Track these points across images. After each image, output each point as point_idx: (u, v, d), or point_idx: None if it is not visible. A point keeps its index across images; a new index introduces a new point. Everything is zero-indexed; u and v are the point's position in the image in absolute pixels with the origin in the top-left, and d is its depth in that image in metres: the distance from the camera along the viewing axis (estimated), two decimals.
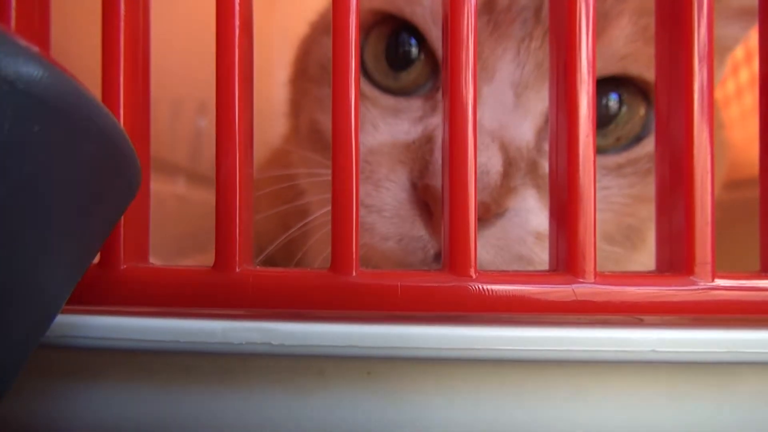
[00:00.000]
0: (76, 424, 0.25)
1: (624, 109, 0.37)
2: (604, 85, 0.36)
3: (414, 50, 0.37)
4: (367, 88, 0.38)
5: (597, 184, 0.35)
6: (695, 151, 0.24)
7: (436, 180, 0.32)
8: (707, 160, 0.24)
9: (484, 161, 0.31)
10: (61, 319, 0.23)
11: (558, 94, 0.25)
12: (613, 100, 0.37)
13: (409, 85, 0.38)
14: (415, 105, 0.37)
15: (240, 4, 0.24)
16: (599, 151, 0.37)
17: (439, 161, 0.32)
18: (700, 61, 0.24)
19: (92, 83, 0.21)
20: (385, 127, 0.37)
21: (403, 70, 0.38)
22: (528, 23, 0.35)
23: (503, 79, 0.35)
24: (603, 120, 0.37)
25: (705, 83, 0.24)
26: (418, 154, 0.34)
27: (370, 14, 0.38)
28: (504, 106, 0.34)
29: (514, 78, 0.35)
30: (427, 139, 0.34)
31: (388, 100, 0.38)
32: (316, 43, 0.43)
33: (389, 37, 0.38)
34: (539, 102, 0.35)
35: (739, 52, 0.60)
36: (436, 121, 0.35)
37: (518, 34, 0.35)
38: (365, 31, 0.38)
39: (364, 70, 0.38)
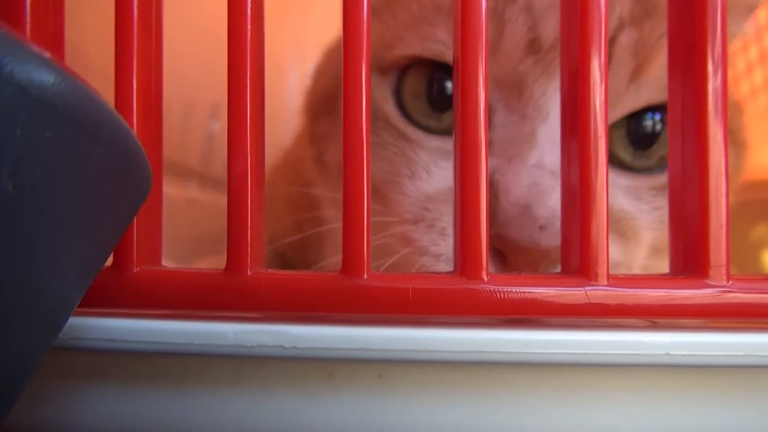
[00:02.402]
0: (89, 426, 0.25)
1: (666, 129, 0.36)
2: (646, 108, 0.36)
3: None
4: (410, 130, 0.37)
5: (648, 205, 0.36)
6: (709, 153, 0.24)
7: (506, 228, 0.31)
8: (721, 161, 0.24)
9: (553, 205, 0.31)
10: (74, 321, 0.23)
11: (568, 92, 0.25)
12: (653, 120, 0.37)
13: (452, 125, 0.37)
14: None
15: (251, 8, 0.24)
16: (645, 170, 0.37)
17: (507, 209, 0.31)
18: (714, 62, 0.24)
19: (106, 87, 0.22)
20: (438, 171, 0.36)
21: (445, 112, 0.37)
22: None
23: (557, 118, 0.34)
24: (645, 141, 0.37)
25: (719, 84, 0.24)
26: (490, 212, 0.33)
27: (404, 60, 0.37)
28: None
29: None
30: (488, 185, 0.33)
31: (433, 141, 0.37)
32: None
33: (429, 78, 0.37)
34: None
35: (753, 52, 0.59)
36: (494, 164, 0.34)
37: (553, 59, 0.34)
38: (399, 71, 0.37)
39: (403, 110, 0.37)
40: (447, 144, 0.36)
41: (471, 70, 0.24)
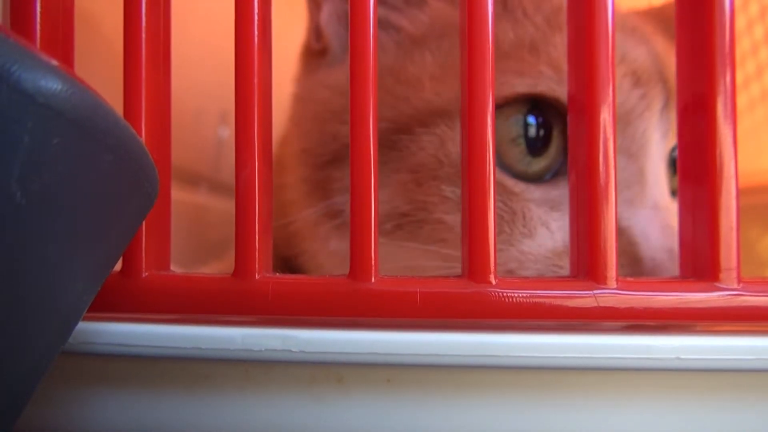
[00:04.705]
0: (97, 430, 0.25)
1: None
2: None
3: (548, 131, 0.35)
4: (510, 182, 0.34)
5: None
6: (719, 156, 0.24)
7: (657, 272, 0.31)
8: (732, 164, 0.24)
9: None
10: (84, 325, 0.23)
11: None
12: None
13: (543, 169, 0.35)
14: None
15: (259, 17, 0.25)
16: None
17: (655, 256, 0.31)
18: (723, 65, 0.24)
19: (116, 96, 0.22)
20: (555, 224, 0.34)
21: (540, 155, 0.35)
22: (663, 92, 0.34)
23: (657, 154, 0.34)
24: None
25: (728, 86, 0.24)
26: (623, 258, 0.32)
27: (502, 100, 0.34)
28: (661, 180, 0.34)
29: (660, 150, 0.34)
30: (618, 233, 0.33)
31: (535, 192, 0.34)
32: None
33: (524, 118, 0.35)
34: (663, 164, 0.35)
35: (750, 66, 0.59)
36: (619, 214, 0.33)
37: (659, 105, 0.34)
38: None
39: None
40: (550, 194, 0.34)
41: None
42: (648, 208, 0.33)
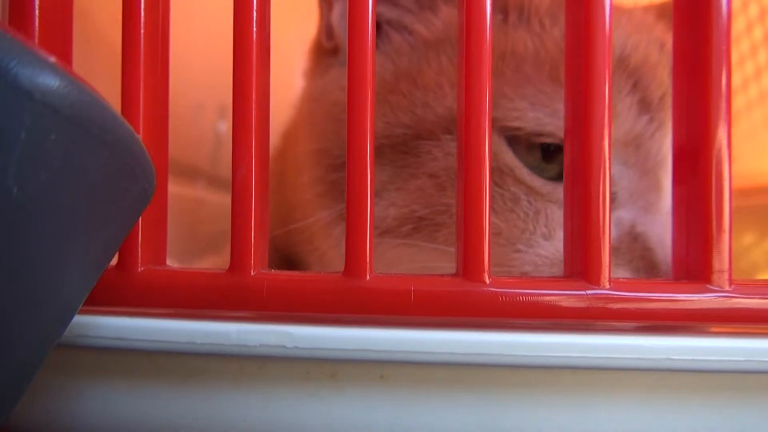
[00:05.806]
0: (92, 423, 0.25)
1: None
2: None
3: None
4: (538, 182, 0.35)
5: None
6: (713, 158, 0.24)
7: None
8: (725, 166, 0.24)
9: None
10: (80, 319, 0.24)
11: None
12: None
13: (555, 176, 0.35)
14: None
15: (257, 12, 0.25)
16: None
17: (668, 262, 0.30)
18: (718, 66, 0.24)
19: (113, 91, 0.22)
20: None
21: (552, 162, 0.35)
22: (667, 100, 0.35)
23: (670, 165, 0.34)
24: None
25: (724, 87, 0.24)
26: (634, 255, 0.33)
27: (520, 131, 0.35)
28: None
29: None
30: (633, 238, 0.33)
31: (548, 187, 0.35)
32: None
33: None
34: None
35: (749, 66, 0.59)
36: (629, 216, 0.34)
37: (665, 114, 0.35)
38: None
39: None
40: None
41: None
42: (663, 215, 0.34)
